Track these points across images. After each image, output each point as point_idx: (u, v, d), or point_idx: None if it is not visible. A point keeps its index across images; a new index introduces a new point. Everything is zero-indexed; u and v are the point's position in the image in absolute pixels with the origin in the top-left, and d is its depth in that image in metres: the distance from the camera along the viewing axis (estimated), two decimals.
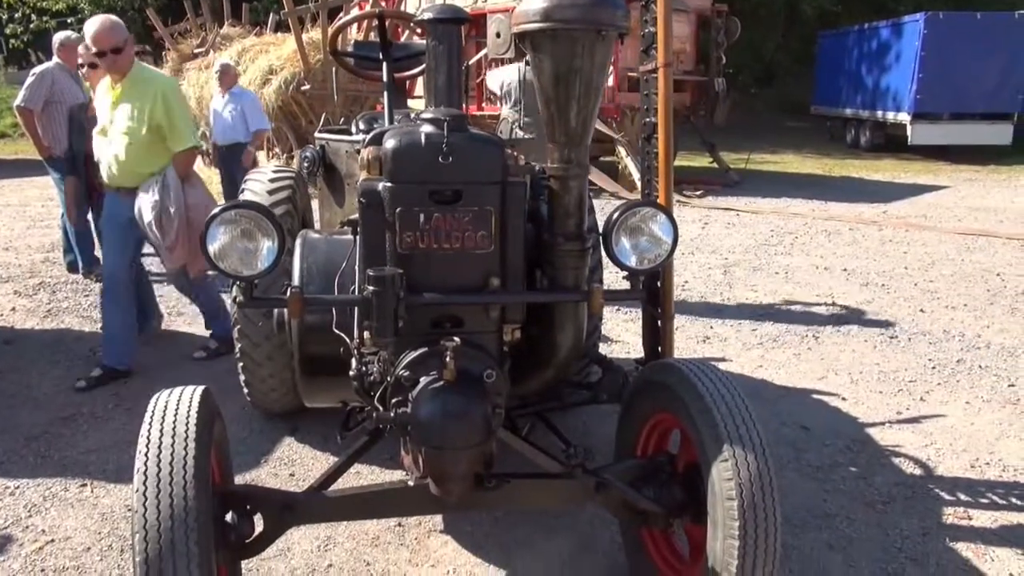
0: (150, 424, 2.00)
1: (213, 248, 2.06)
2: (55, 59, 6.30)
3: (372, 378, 2.32)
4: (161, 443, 1.93)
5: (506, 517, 3.05)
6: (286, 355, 3.47)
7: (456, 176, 2.15)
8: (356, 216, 2.95)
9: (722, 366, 4.65)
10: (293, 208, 3.63)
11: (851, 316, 5.77)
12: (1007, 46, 15.48)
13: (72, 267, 6.67)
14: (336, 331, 2.43)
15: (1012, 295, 6.32)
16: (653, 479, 2.43)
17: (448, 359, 2.06)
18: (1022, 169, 15.18)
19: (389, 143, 2.16)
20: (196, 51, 14.05)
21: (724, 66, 12.88)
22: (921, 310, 5.92)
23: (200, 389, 2.19)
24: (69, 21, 22.04)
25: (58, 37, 6.41)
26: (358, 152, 2.89)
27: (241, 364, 3.54)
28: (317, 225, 3.99)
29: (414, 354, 2.18)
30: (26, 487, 3.29)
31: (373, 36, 13.25)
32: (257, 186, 3.62)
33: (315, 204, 4.25)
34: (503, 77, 6.28)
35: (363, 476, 3.40)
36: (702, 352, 4.96)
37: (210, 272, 4.29)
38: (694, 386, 2.22)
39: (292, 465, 3.50)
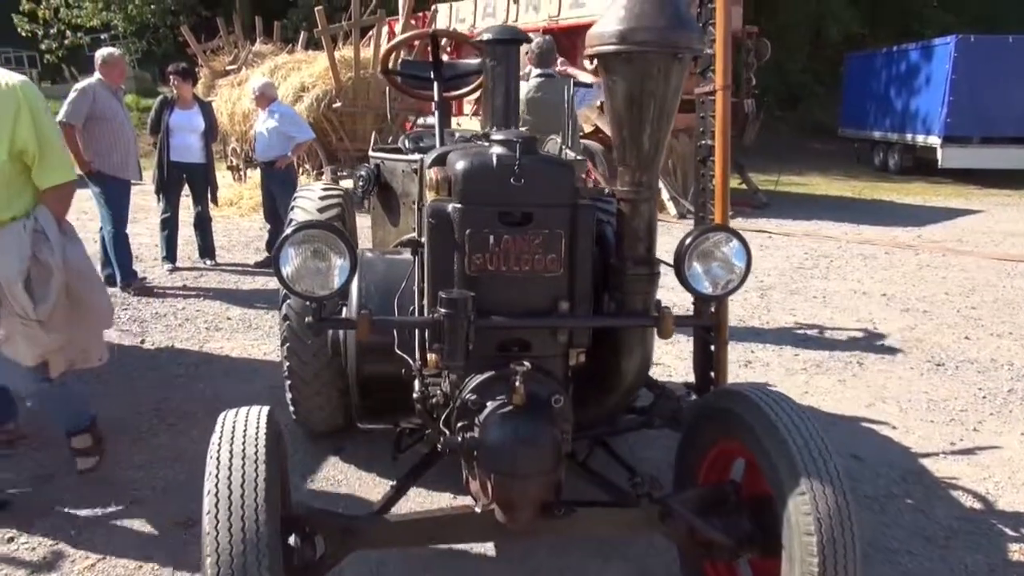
0: (219, 445, 1.98)
1: (287, 271, 2.04)
2: (96, 75, 6.38)
3: (436, 401, 2.30)
4: (231, 465, 1.91)
5: (559, 543, 2.99)
6: (334, 373, 3.45)
7: (527, 198, 2.13)
8: (414, 236, 2.96)
9: None
10: (343, 226, 3.63)
11: (894, 342, 5.67)
12: None
13: (110, 280, 6.72)
14: (399, 352, 2.40)
15: None
16: (719, 509, 2.36)
17: (517, 383, 2.03)
18: None
19: (459, 164, 2.14)
20: (228, 68, 14.23)
21: (754, 87, 12.82)
22: (966, 337, 5.81)
23: (265, 409, 2.17)
24: (103, 37, 22.45)
25: (100, 54, 6.50)
26: (415, 172, 2.90)
27: (289, 382, 3.52)
28: (364, 243, 3.98)
29: (481, 378, 2.15)
30: (74, 503, 3.28)
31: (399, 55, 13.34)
32: (307, 204, 3.62)
33: (361, 222, 4.25)
34: (521, 96, 6.25)
35: (409, 498, 3.36)
36: (745, 376, 4.88)
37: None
38: (766, 415, 2.17)
39: (339, 486, 3.47)
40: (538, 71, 5.43)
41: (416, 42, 10.40)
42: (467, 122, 13.76)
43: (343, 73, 11.45)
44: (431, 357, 2.28)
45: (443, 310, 2.03)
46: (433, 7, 13.96)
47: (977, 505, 3.42)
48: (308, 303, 2.11)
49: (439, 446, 2.38)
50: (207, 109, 7.55)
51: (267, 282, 7.25)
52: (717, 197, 3.10)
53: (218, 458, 1.93)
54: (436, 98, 3.61)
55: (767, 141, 19.88)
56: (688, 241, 2.20)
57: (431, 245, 2.18)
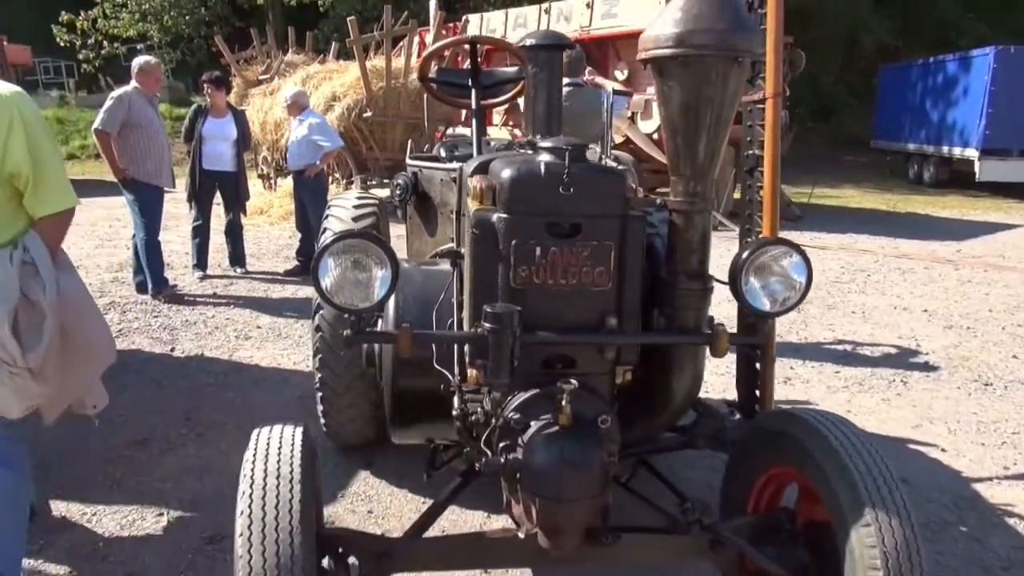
0: (253, 463, 1.90)
1: (326, 282, 1.97)
2: (133, 83, 6.41)
3: (476, 419, 2.21)
4: (266, 485, 1.84)
5: (602, 569, 2.88)
6: (367, 386, 3.38)
7: (576, 208, 2.04)
8: (452, 246, 2.88)
9: None
10: (378, 234, 3.56)
11: (938, 360, 5.48)
12: None
13: (141, 287, 6.74)
14: (437, 367, 2.31)
15: None
16: (772, 537, 2.25)
17: (564, 403, 1.93)
18: None
19: (505, 172, 2.05)
20: (261, 77, 14.33)
21: (787, 99, 12.65)
22: (1014, 356, 5.61)
23: (300, 428, 2.09)
24: (139, 47, 22.81)
25: (137, 62, 6.54)
26: (454, 180, 2.82)
27: (320, 394, 3.45)
28: (398, 253, 3.91)
29: (525, 396, 2.06)
30: (103, 514, 3.23)
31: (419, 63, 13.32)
32: (342, 212, 3.57)
33: (394, 231, 4.19)
34: None
35: (441, 515, 3.27)
36: (785, 394, 4.73)
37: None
38: (826, 439, 2.06)
39: (370, 502, 3.39)
40: (567, 80, 5.34)
41: (447, 51, 10.37)
42: (496, 132, 13.76)
43: (374, 83, 11.47)
44: (472, 373, 2.20)
45: (487, 325, 1.94)
46: (464, 17, 14.00)
47: None
48: (347, 316, 2.03)
49: (477, 466, 2.29)
50: (240, 118, 7.58)
51: (296, 291, 7.23)
52: (766, 209, 2.98)
53: (252, 477, 1.86)
54: (474, 106, 3.54)
55: (799, 153, 19.62)
56: (745, 255, 2.09)
57: (474, 256, 2.10)
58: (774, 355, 3.10)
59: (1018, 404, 4.67)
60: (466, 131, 14.51)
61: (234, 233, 7.75)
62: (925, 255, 9.55)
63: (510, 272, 2.05)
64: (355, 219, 3.52)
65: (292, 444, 1.96)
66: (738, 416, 3.12)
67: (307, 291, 7.19)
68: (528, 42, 2.84)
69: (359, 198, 3.69)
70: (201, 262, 7.51)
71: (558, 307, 2.07)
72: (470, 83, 3.56)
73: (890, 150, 20.02)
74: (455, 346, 2.34)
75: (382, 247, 2.01)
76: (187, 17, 23.83)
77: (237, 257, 7.84)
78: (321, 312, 3.33)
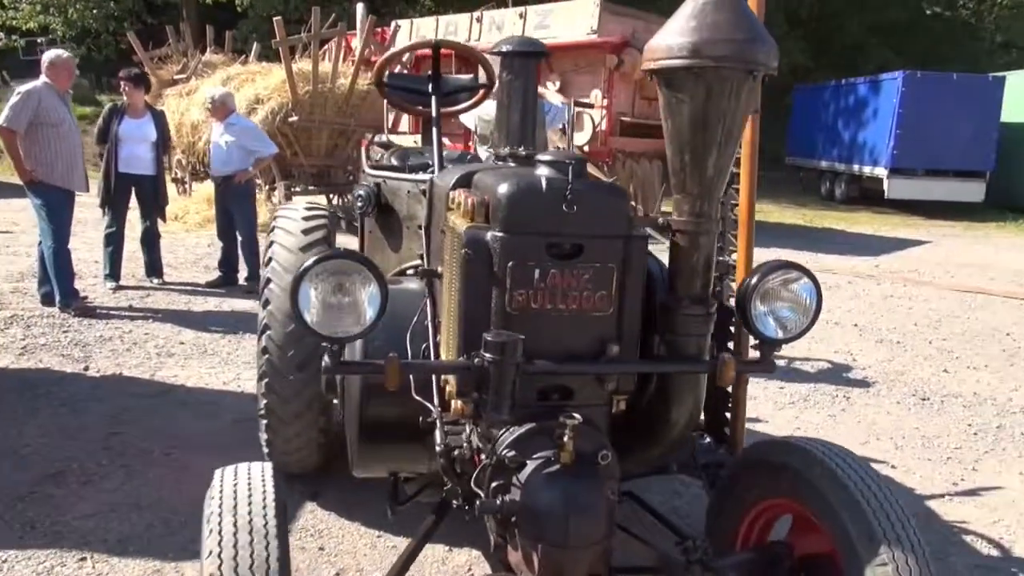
0: (220, 514, 1.66)
1: (311, 315, 1.75)
2: (43, 78, 5.91)
3: (462, 454, 2.02)
4: (237, 541, 1.60)
5: None
6: (315, 413, 3.14)
7: (578, 228, 1.88)
8: (418, 263, 2.68)
9: (758, 427, 4.42)
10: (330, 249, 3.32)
11: (875, 375, 5.59)
12: (981, 106, 15.89)
13: (47, 299, 6.20)
14: (416, 398, 2.11)
15: None
16: (771, 572, 2.14)
17: (566, 439, 1.77)
18: (995, 226, 15.51)
19: (503, 187, 1.88)
20: (177, 77, 13.67)
21: None
22: (945, 370, 5.78)
23: (268, 468, 1.85)
24: (39, 41, 21.43)
25: (48, 56, 6.04)
26: (423, 193, 2.63)
27: (265, 422, 3.17)
28: None
29: (520, 430, 1.88)
30: (15, 561, 2.86)
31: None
32: (290, 225, 3.30)
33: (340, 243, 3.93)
34: (480, 114, 6.01)
35: (399, 550, 3.05)
36: None
37: None
38: (832, 472, 1.97)
39: (320, 537, 3.13)
40: None
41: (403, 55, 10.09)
42: (403, 140, 13.51)
43: (300, 87, 11.06)
44: (456, 404, 2.01)
45: (489, 355, 1.76)
46: (394, 23, 13.71)
47: (993, 552, 3.28)
48: (326, 344, 1.81)
49: (455, 503, 2.10)
50: (160, 118, 7.12)
51: (220, 303, 6.82)
52: (741, 227, 2.91)
53: (220, 532, 1.62)
54: (434, 113, 3.34)
55: None
56: (753, 280, 1.98)
57: (464, 278, 1.91)
58: (747, 378, 3.02)
59: (956, 418, 4.79)
60: (394, 138, 14.24)
61: (151, 241, 7.26)
62: (847, 270, 9.87)
63: (505, 296, 1.88)
64: (305, 232, 3.26)
65: (264, 491, 1.73)
66: (708, 440, 3.03)
67: (232, 304, 6.80)
68: (503, 48, 2.68)
69: (308, 209, 3.43)
70: (114, 272, 7.00)
71: (557, 334, 1.91)
72: (430, 89, 3.37)
73: (803, 167, 20.79)
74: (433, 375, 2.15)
75: (366, 265, 1.81)
76: (94, 11, 22.57)
77: (153, 267, 7.35)
78: (268, 333, 3.06)
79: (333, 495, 3.42)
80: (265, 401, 3.12)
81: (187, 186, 12.80)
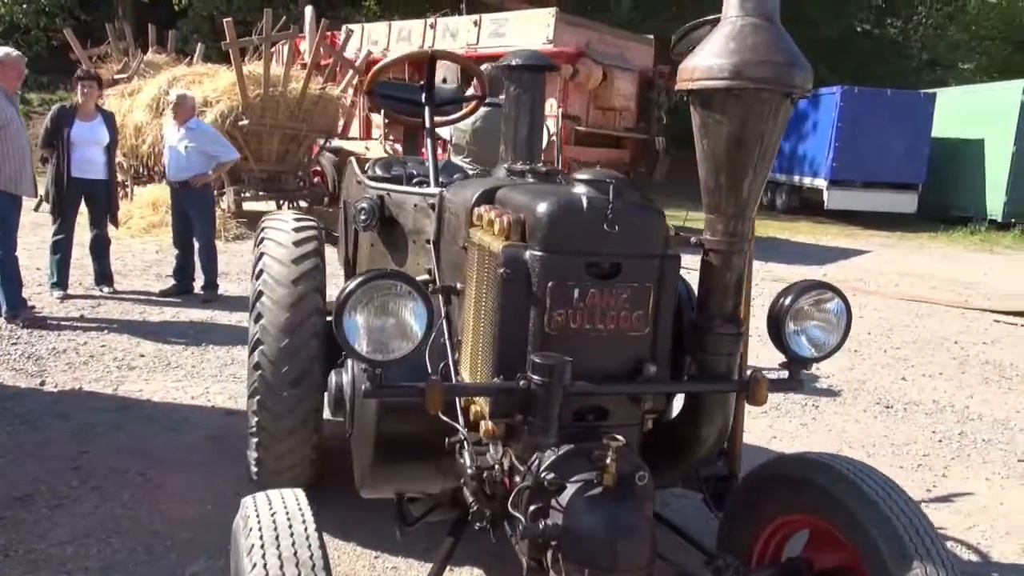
0: (262, 546, 1.58)
1: (361, 344, 1.70)
2: None
3: (495, 477, 1.98)
4: (284, 575, 1.52)
5: None
6: (310, 430, 3.06)
7: (618, 247, 1.88)
8: (426, 278, 2.63)
9: None
10: (321, 262, 3.23)
11: (840, 383, 5.75)
12: (913, 121, 16.58)
13: None
14: (444, 418, 2.06)
15: (978, 364, 6.50)
16: None
17: (609, 461, 1.76)
18: (928, 236, 16.18)
19: (542, 206, 1.86)
20: (117, 76, 13.17)
21: (665, 126, 13.14)
22: (903, 378, 5.99)
23: (301, 495, 1.78)
24: None
25: None
26: (432, 207, 2.59)
27: (256, 439, 3.07)
28: (333, 279, 3.58)
29: (558, 452, 1.86)
30: None
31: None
32: (281, 236, 3.21)
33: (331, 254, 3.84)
34: (456, 124, 5.99)
35: (400, 572, 2.99)
36: None
37: None
38: (859, 489, 2.01)
39: None
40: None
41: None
42: (375, 146, 13.36)
43: (251, 90, 10.80)
44: (487, 426, 1.98)
45: (536, 377, 1.73)
46: (345, 27, 13.52)
47: (973, 557, 3.40)
48: (368, 368, 1.75)
49: (478, 524, 2.07)
50: (111, 120, 6.85)
51: (177, 313, 6.59)
52: None
53: (265, 565, 1.54)
54: (427, 124, 3.30)
55: (666, 179, 20.52)
56: (787, 301, 2.00)
57: (502, 298, 1.88)
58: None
59: (920, 426, 4.96)
60: (344, 144, 14.04)
61: (100, 248, 6.97)
62: (796, 278, 10.12)
63: (544, 316, 1.85)
64: (296, 243, 3.18)
65: (304, 520, 1.66)
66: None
67: (190, 314, 6.58)
68: (512, 62, 2.67)
69: (297, 220, 3.34)
70: (61, 280, 6.70)
71: (594, 354, 1.89)
72: (423, 100, 3.32)
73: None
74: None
75: (407, 281, 1.76)
76: (23, 5, 21.63)
77: (103, 275, 7.05)
78: (261, 348, 2.97)
79: (325, 514, 3.30)
80: (257, 419, 3.02)
81: (129, 190, 12.34)
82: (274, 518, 1.66)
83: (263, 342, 2.97)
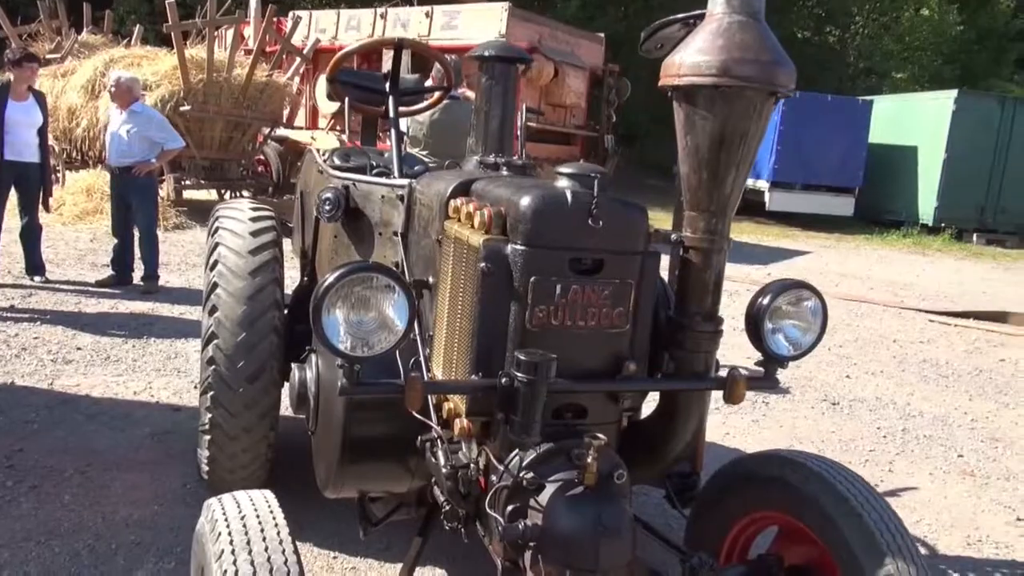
0: (233, 551, 1.50)
1: (343, 342, 1.63)
2: None
3: (470, 476, 1.93)
4: None
5: None
6: (266, 427, 2.96)
7: (601, 243, 1.85)
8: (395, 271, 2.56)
9: None
10: (279, 253, 3.13)
11: (787, 380, 5.86)
12: (851, 127, 17.06)
13: None
14: (419, 417, 2.00)
15: (916, 362, 6.72)
16: None
17: (590, 459, 1.73)
18: (864, 238, 16.68)
19: (526, 200, 1.82)
20: (50, 56, 12.58)
21: (615, 124, 13.23)
22: (847, 376, 6.14)
23: (271, 497, 1.71)
24: None
25: None
26: (400, 199, 2.52)
27: (208, 437, 2.95)
28: (291, 273, 3.46)
29: (538, 451, 1.82)
30: None
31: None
32: (237, 226, 3.09)
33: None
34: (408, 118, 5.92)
35: (360, 571, 2.91)
36: None
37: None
38: (833, 487, 2.02)
39: None
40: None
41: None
42: (322, 136, 13.11)
43: (193, 74, 10.46)
44: (462, 424, 1.93)
45: (521, 375, 1.69)
46: (293, 14, 13.21)
47: (922, 550, 3.47)
48: (345, 364, 1.68)
49: (452, 526, 2.02)
50: (43, 101, 6.53)
51: (116, 305, 6.33)
52: None
53: (236, 572, 1.46)
54: (391, 114, 3.22)
55: (615, 177, 20.66)
56: (766, 300, 2.00)
57: (482, 294, 1.83)
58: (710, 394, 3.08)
59: (865, 422, 5.09)
60: (289, 132, 13.72)
61: (32, 236, 6.64)
62: (743, 278, 10.32)
63: (526, 312, 1.81)
64: (253, 234, 3.06)
65: (276, 523, 1.59)
66: None
67: (129, 305, 6.33)
68: (484, 53, 2.62)
69: (254, 209, 3.22)
70: None
71: (575, 351, 1.86)
72: (387, 89, 3.24)
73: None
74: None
75: (385, 272, 1.71)
76: None
77: (35, 264, 6.73)
78: (216, 343, 2.85)
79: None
80: (210, 415, 2.90)
81: (61, 175, 11.81)
82: (244, 522, 1.57)
83: (218, 336, 2.85)
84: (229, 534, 1.54)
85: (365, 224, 2.69)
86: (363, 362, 1.69)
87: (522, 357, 1.70)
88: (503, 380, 1.73)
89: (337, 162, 3.41)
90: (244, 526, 1.56)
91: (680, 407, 2.07)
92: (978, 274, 12.80)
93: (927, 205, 17.15)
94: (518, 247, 1.81)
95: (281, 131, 13.42)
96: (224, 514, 1.60)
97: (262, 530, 1.55)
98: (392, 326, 1.69)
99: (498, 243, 1.83)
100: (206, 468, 3.07)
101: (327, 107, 13.44)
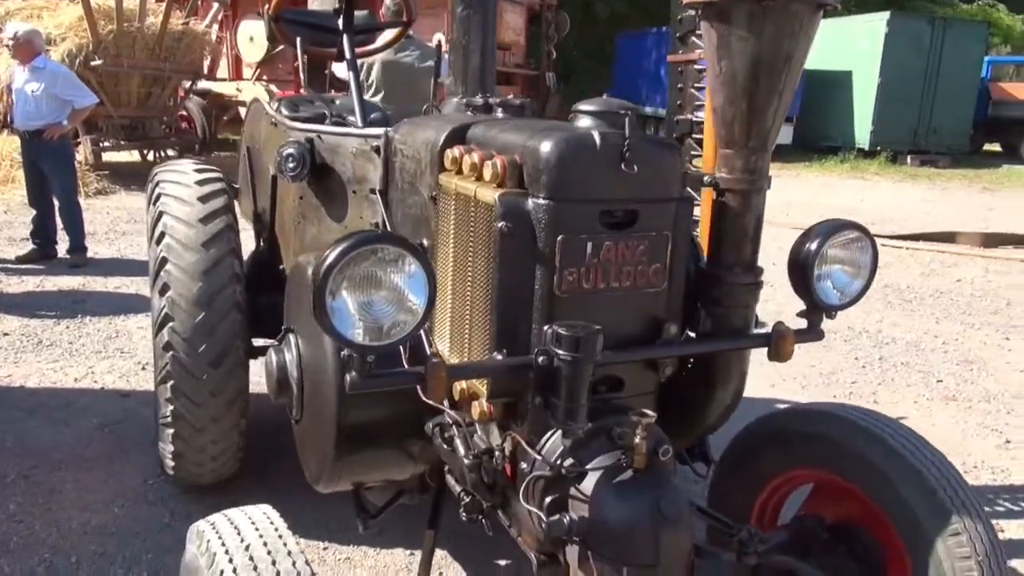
0: None
1: (357, 331, 1.35)
2: None
3: (495, 465, 1.70)
4: None
5: None
6: (237, 414, 2.67)
7: (635, 192, 1.60)
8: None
9: None
10: (234, 220, 2.79)
11: (760, 313, 5.78)
12: None
13: None
14: (428, 401, 1.74)
15: (879, 288, 6.70)
16: (808, 548, 2.02)
17: (638, 439, 1.51)
18: (803, 165, 16.81)
19: (547, 146, 1.54)
20: None
21: (554, 61, 12.83)
22: None
23: (273, 513, 1.44)
24: None
25: None
26: (376, 151, 2.21)
27: (171, 430, 2.64)
28: (248, 241, 3.11)
29: (576, 434, 1.59)
30: None
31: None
32: (182, 191, 2.73)
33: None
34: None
35: (354, 561, 2.68)
36: None
37: None
38: (884, 441, 1.87)
39: None
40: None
41: None
42: (248, 87, 12.39)
43: (103, 25, 9.63)
44: (483, 407, 1.68)
45: (564, 353, 1.44)
46: None
47: None
48: (353, 354, 1.41)
49: (472, 518, 1.80)
50: None
51: (42, 282, 5.83)
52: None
53: None
54: (347, 55, 2.86)
55: (548, 113, 20.32)
56: (814, 245, 1.79)
57: (501, 258, 1.57)
58: None
59: (842, 353, 5.05)
60: (211, 85, 12.90)
61: None
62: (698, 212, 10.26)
63: (554, 277, 1.56)
64: (202, 199, 2.71)
65: (289, 550, 1.33)
66: None
67: (57, 282, 5.83)
68: None
69: (198, 171, 2.85)
70: None
71: (609, 317, 1.62)
72: (341, 27, 2.87)
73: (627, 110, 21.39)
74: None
75: (393, 241, 1.43)
76: None
77: None
78: (172, 325, 2.53)
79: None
80: (172, 407, 2.59)
81: None
82: (248, 550, 1.31)
83: (174, 318, 2.52)
84: (233, 566, 1.27)
85: (335, 181, 2.37)
86: (376, 351, 1.41)
87: (563, 331, 1.45)
88: (540, 359, 1.49)
89: (287, 112, 3.05)
90: (251, 556, 1.29)
91: (720, 368, 1.87)
92: (916, 195, 13.03)
93: (863, 130, 17.36)
94: (541, 201, 1.54)
95: (203, 84, 12.65)
96: (222, 543, 1.33)
97: (274, 562, 1.28)
98: (410, 306, 1.41)
99: (517, 198, 1.56)
100: (171, 463, 2.76)
101: (252, 55, 12.73)
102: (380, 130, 2.22)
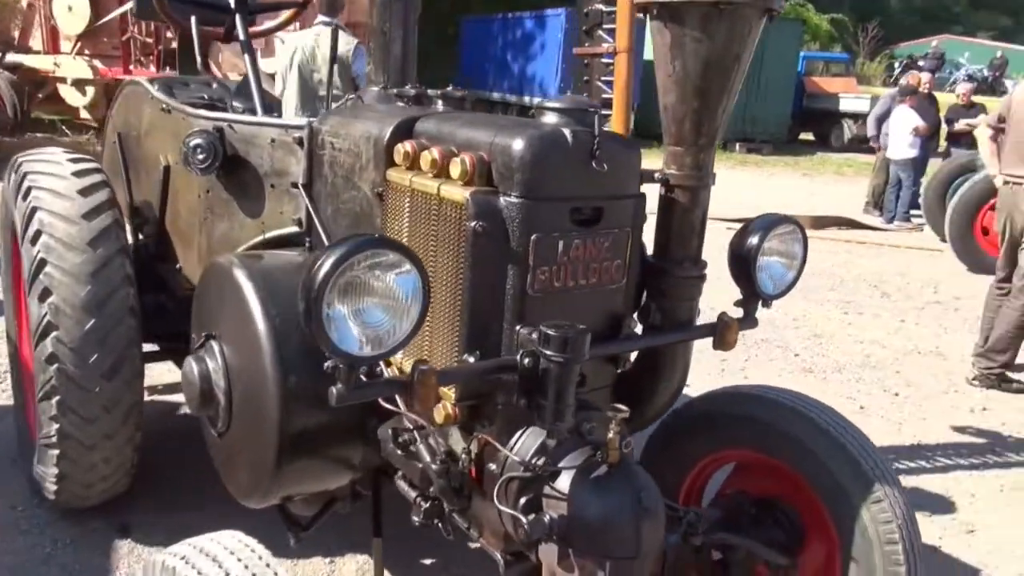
0: None
1: (360, 342, 1.26)
2: None
3: (461, 468, 1.67)
4: None
5: None
6: (131, 429, 2.46)
7: (601, 189, 1.62)
8: (295, 229, 2.15)
9: None
10: (120, 215, 2.53)
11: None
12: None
13: None
14: (386, 406, 1.68)
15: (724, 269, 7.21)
16: (739, 525, 2.14)
17: (612, 434, 1.54)
18: (643, 153, 17.63)
19: (519, 143, 1.52)
20: None
21: None
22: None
23: (248, 540, 1.34)
24: None
25: None
26: (298, 142, 2.10)
27: (57, 451, 2.38)
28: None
29: (541, 431, 1.60)
30: None
31: None
32: (58, 183, 2.44)
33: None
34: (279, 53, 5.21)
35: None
36: None
37: None
38: (811, 420, 2.01)
39: None
40: (322, 18, 4.44)
41: None
42: (68, 62, 11.29)
43: None
44: (446, 410, 1.64)
45: (553, 354, 1.43)
46: None
47: None
48: (339, 365, 1.32)
49: (429, 523, 1.77)
50: None
51: None
52: None
53: None
54: (241, 36, 2.68)
55: None
56: (755, 240, 1.88)
57: (474, 258, 1.53)
58: None
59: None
60: (22, 58, 11.64)
61: None
62: None
63: (527, 276, 1.54)
64: (82, 192, 2.44)
65: (276, 574, 1.23)
66: None
67: None
68: None
69: (73, 160, 2.56)
70: None
71: (576, 314, 1.63)
72: (232, 5, 2.68)
73: (475, 98, 21.47)
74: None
75: (387, 245, 1.36)
76: None
77: None
78: (56, 335, 2.27)
79: (147, 525, 2.72)
80: (57, 425, 2.33)
81: None
82: (226, 568, 1.20)
83: (58, 326, 2.27)
84: None
85: (250, 174, 2.21)
86: (370, 362, 1.34)
87: (551, 332, 1.44)
88: (526, 360, 1.47)
89: (163, 96, 2.80)
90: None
91: (666, 359, 1.93)
92: (747, 181, 14.05)
93: None
94: (514, 200, 1.52)
95: (13, 56, 11.34)
96: (197, 572, 1.21)
97: None
98: (405, 312, 1.35)
99: (488, 196, 1.53)
100: (53, 487, 2.48)
101: (71, 27, 11.55)
102: (303, 120, 2.10)
